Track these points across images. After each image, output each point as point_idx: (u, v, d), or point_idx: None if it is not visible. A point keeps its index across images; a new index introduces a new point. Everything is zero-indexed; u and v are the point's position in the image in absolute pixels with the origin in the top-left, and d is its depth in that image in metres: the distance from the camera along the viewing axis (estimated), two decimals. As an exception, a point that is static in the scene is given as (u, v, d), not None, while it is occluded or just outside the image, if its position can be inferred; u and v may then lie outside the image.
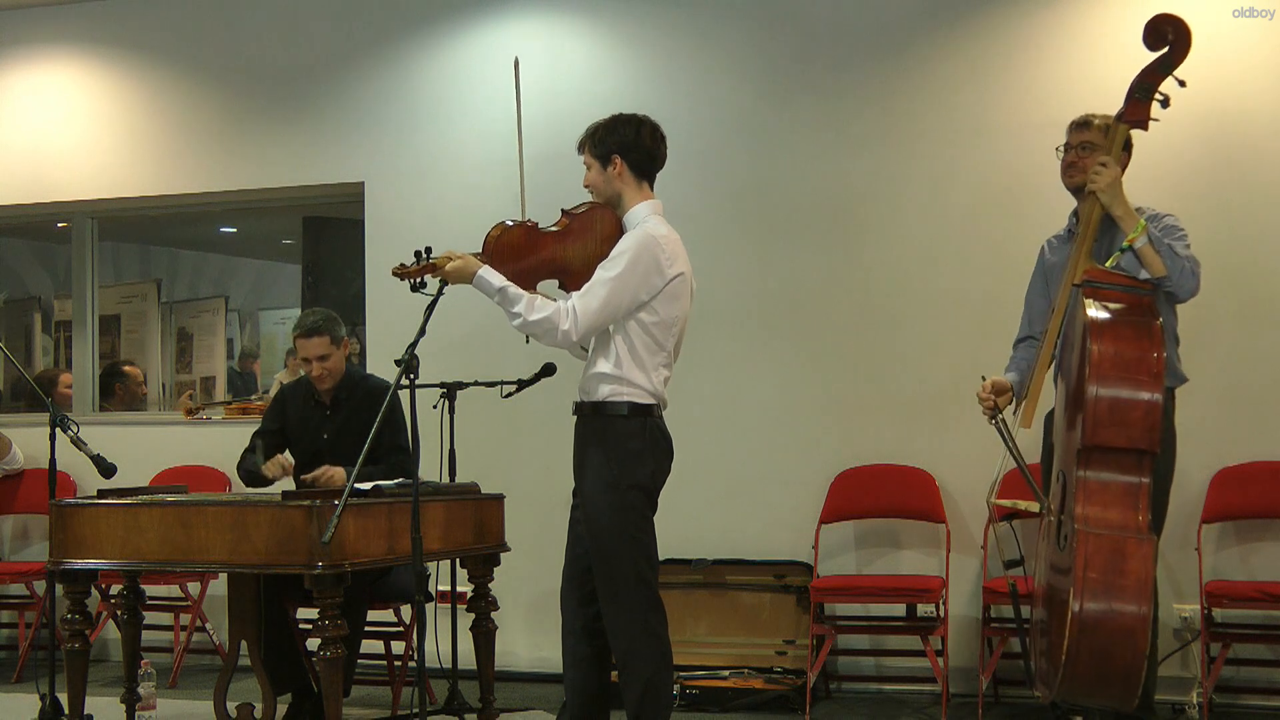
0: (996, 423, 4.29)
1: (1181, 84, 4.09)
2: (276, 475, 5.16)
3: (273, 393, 6.72)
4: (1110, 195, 4.13)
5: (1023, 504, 4.32)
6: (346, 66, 6.65)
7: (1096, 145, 4.28)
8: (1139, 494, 3.82)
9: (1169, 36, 4.05)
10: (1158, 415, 3.81)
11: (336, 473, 4.98)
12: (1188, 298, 4.22)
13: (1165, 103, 4.10)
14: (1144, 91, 4.09)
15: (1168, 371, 4.17)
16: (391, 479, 4.58)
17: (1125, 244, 4.07)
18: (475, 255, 4.04)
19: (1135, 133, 4.22)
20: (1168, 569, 5.38)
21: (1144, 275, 4.07)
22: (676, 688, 5.33)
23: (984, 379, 4.39)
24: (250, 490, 5.28)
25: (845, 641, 5.78)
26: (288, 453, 5.26)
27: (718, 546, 5.92)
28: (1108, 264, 4.07)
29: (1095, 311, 3.91)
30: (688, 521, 5.67)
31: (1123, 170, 4.20)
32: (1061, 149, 4.42)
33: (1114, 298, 3.98)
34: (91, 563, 4.48)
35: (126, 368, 7.89)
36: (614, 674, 4.14)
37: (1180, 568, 5.36)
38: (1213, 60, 5.46)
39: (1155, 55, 4.09)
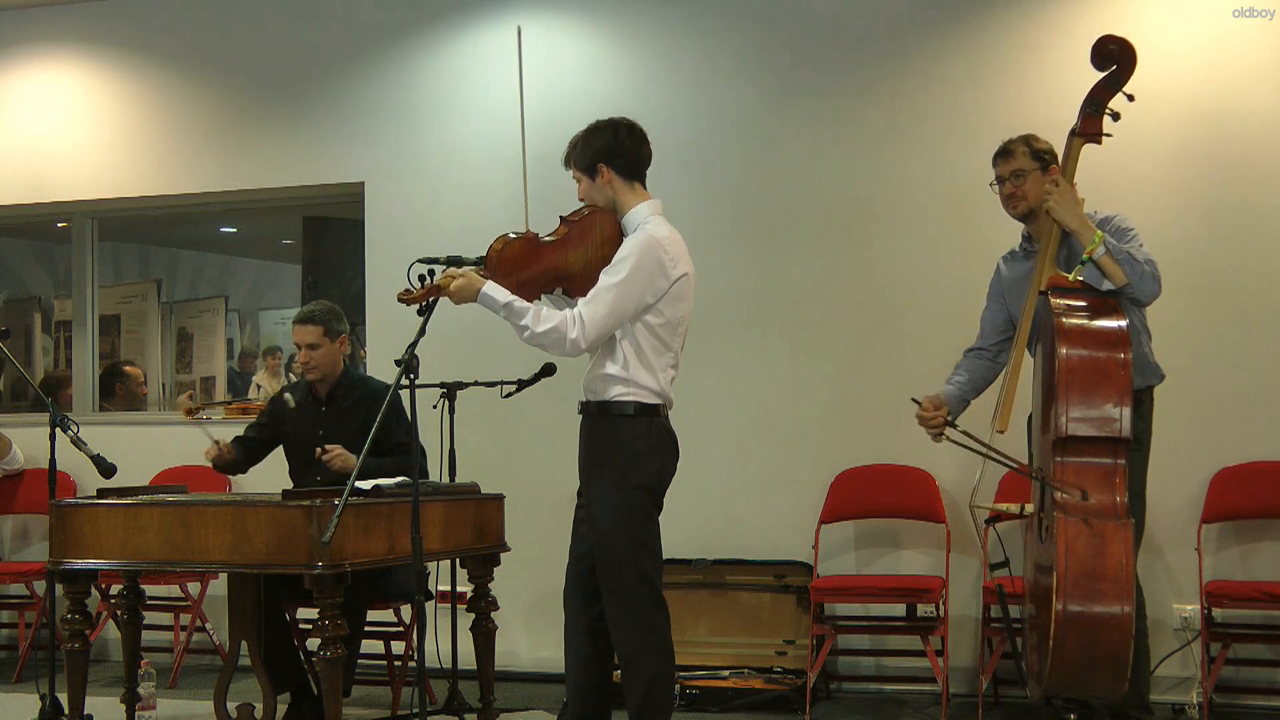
0: (951, 436, 4.34)
1: (1130, 98, 4.24)
2: (211, 455, 5.17)
3: (252, 394, 6.70)
4: (1064, 212, 4.24)
5: (1004, 506, 4.41)
6: (346, 66, 6.65)
7: (1026, 170, 4.42)
8: (1115, 476, 3.91)
9: (1115, 56, 4.24)
10: (1129, 403, 3.91)
11: (350, 457, 4.95)
12: (1150, 301, 4.29)
13: (1116, 116, 4.27)
14: (1095, 107, 4.26)
15: (1143, 368, 4.25)
16: (402, 471, 4.58)
17: (1085, 256, 4.15)
18: (477, 271, 4.03)
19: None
20: (1168, 569, 5.38)
21: (1106, 286, 4.16)
22: (677, 688, 5.33)
23: (915, 400, 4.43)
24: (250, 490, 5.27)
25: (845, 641, 5.78)
26: (227, 442, 5.25)
27: (718, 546, 5.92)
28: (1070, 276, 4.16)
29: (1062, 314, 4.05)
30: (688, 521, 5.66)
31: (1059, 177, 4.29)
32: (995, 184, 4.52)
33: (1079, 300, 4.12)
34: (91, 563, 4.48)
35: (127, 368, 7.90)
36: (616, 674, 4.15)
37: (1180, 568, 5.36)
38: (1213, 60, 5.48)
39: (1103, 74, 4.25)
